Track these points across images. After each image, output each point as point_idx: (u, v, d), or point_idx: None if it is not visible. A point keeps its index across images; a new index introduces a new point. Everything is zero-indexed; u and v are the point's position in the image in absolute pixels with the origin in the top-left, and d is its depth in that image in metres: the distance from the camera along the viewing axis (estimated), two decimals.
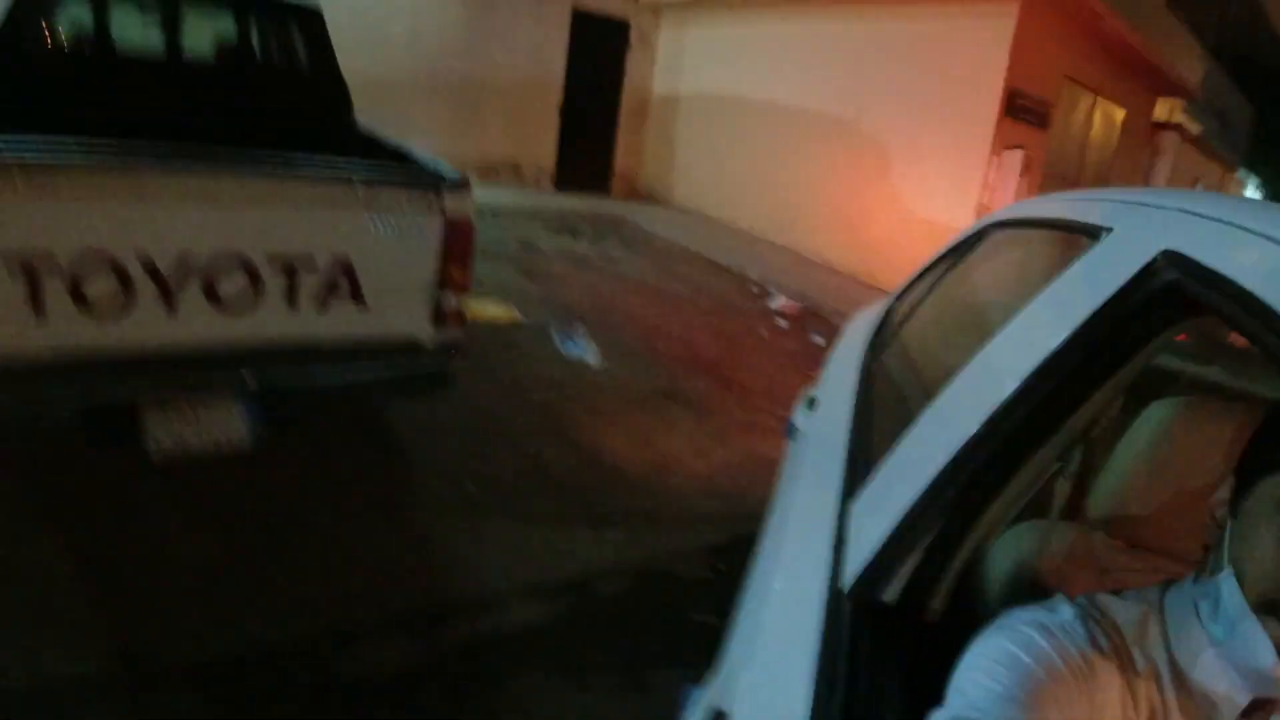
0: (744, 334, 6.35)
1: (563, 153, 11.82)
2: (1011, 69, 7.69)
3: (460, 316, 2.95)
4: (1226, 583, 0.74)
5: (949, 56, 8.10)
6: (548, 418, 4.15)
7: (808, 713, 0.90)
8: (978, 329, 1.26)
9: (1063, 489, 1.06)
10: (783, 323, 6.86)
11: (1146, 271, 0.88)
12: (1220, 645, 0.75)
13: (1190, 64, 12.20)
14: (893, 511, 1.06)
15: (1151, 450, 1.05)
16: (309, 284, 2.57)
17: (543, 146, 11.69)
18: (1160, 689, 0.78)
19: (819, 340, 6.31)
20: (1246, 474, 0.78)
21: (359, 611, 2.48)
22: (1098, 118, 10.33)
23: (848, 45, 9.24)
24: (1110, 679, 0.77)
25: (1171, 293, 0.85)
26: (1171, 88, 12.14)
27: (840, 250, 9.13)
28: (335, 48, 3.95)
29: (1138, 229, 0.98)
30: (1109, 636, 0.80)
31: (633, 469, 3.74)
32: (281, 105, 3.90)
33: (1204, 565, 0.81)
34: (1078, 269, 1.05)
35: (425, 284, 2.81)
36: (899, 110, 8.56)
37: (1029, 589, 1.11)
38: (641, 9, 12.20)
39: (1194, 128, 14.04)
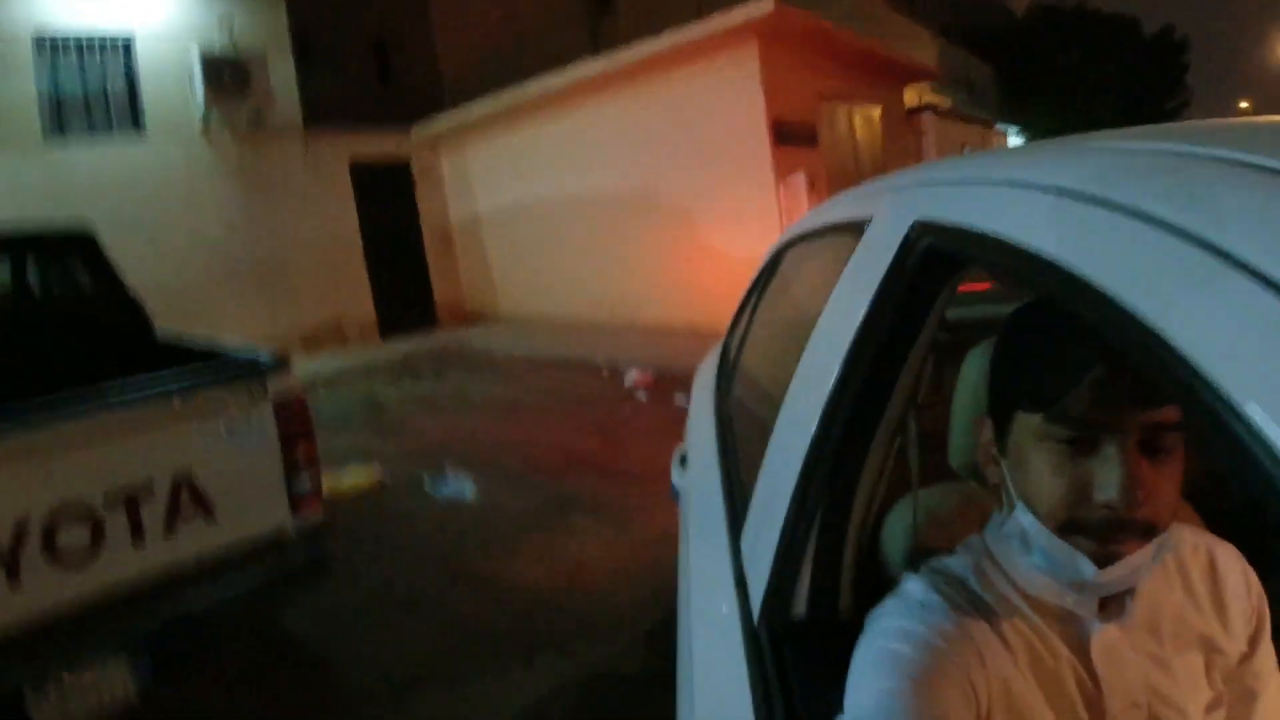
0: (609, 420, 6.39)
1: (380, 302, 11.76)
2: (769, 102, 8.36)
3: (318, 496, 2.84)
4: (1024, 517, 0.79)
5: (715, 105, 8.73)
6: (445, 569, 4.01)
7: None
8: (797, 342, 1.33)
9: (913, 459, 1.12)
10: (642, 396, 6.96)
11: (905, 246, 0.97)
12: (1045, 571, 0.80)
13: (925, 49, 13.46)
14: (773, 533, 1.09)
15: (977, 393, 1.13)
16: (153, 512, 2.41)
17: (359, 302, 11.62)
18: (1027, 623, 0.81)
19: (682, 402, 6.44)
20: (997, 412, 0.83)
21: None
22: (858, 122, 11.15)
23: (625, 122, 9.77)
24: (983, 632, 0.79)
25: (931, 257, 0.93)
26: (915, 74, 13.37)
27: (675, 310, 9.43)
28: (120, 266, 3.83)
29: (891, 210, 1.08)
30: (960, 592, 0.82)
31: (546, 588, 3.63)
32: (75, 338, 3.71)
33: (1000, 504, 0.86)
34: (854, 261, 1.14)
35: (273, 475, 2.70)
36: (687, 166, 9.09)
37: (927, 559, 1.15)
38: (416, 144, 12.44)
39: (945, 102, 15.44)
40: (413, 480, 5.32)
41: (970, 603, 0.82)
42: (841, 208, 1.47)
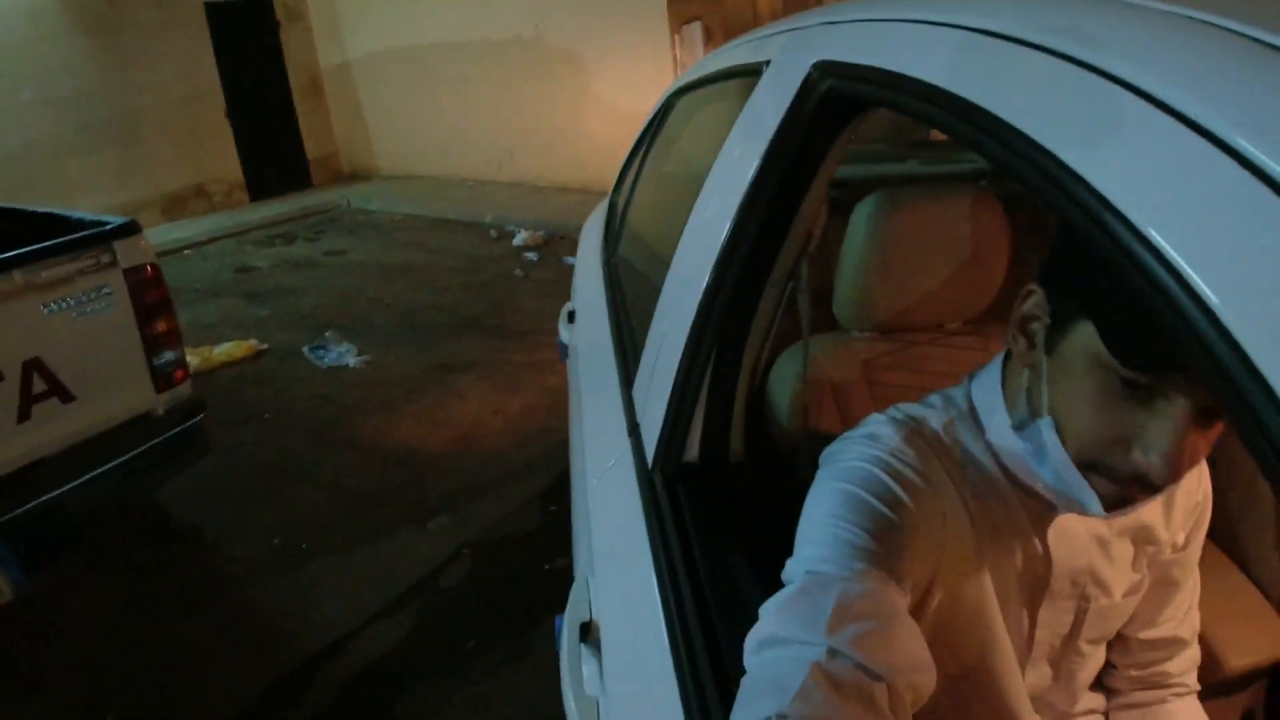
0: (499, 281, 6.27)
1: (247, 160, 10.78)
2: None
3: (183, 370, 2.72)
4: (1048, 433, 0.71)
5: None
6: (330, 437, 3.91)
7: (657, 588, 0.93)
8: (688, 193, 1.31)
9: (804, 305, 1.14)
10: (532, 256, 6.84)
11: (805, 86, 0.94)
12: (1051, 489, 0.75)
13: None
14: (666, 382, 1.10)
15: (868, 244, 1.14)
16: (2, 399, 2.25)
17: (224, 161, 10.59)
18: (993, 489, 0.79)
19: (571, 260, 6.36)
20: (1060, 301, 0.70)
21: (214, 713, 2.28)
22: None
23: None
24: (949, 492, 0.77)
25: (831, 99, 0.91)
26: None
27: (564, 168, 9.15)
28: None
29: (791, 53, 1.04)
30: (932, 445, 0.79)
31: (436, 451, 3.64)
32: None
33: (1018, 392, 0.76)
34: (749, 106, 1.10)
35: (131, 350, 2.55)
36: (578, 8, 8.52)
37: (812, 403, 1.19)
38: None
39: None
40: (292, 349, 5.08)
41: (941, 457, 0.78)
42: (736, 53, 1.42)
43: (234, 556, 3.02)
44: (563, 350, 2.18)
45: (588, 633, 1.05)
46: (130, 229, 2.54)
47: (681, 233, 1.23)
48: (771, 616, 0.66)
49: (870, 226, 1.14)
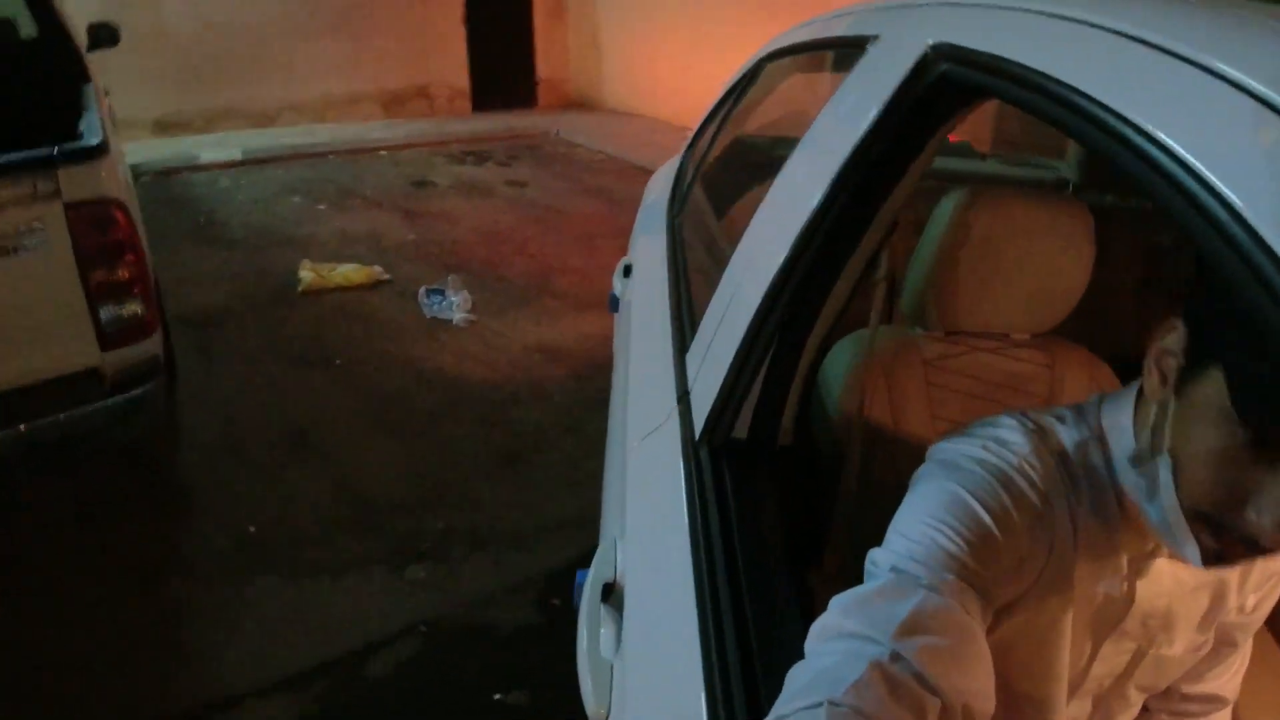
0: None
1: (476, 69, 10.40)
2: None
3: (143, 326, 2.35)
4: (1164, 474, 0.68)
5: None
6: (375, 414, 3.43)
7: (691, 557, 0.93)
8: (769, 162, 1.28)
9: (879, 296, 1.11)
10: None
11: (919, 68, 0.90)
12: (1154, 528, 0.72)
13: None
14: (726, 354, 1.08)
15: (948, 240, 1.10)
16: None
17: (452, 66, 10.29)
18: (1103, 520, 0.76)
19: None
20: (1200, 342, 0.66)
21: None
22: None
23: None
24: (1062, 511, 0.75)
25: (946, 84, 0.87)
26: None
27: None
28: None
29: (904, 30, 1.00)
30: (1060, 461, 0.76)
31: (479, 468, 3.09)
32: None
33: (1144, 425, 0.73)
34: (852, 81, 1.06)
35: (69, 299, 2.18)
36: None
37: (866, 396, 1.17)
38: None
39: None
40: (413, 285, 4.69)
41: (1065, 476, 0.76)
42: (836, 23, 1.37)
43: (206, 540, 2.65)
44: (613, 303, 2.17)
45: (610, 594, 1.05)
46: (92, 153, 2.15)
47: (759, 205, 1.20)
48: (843, 610, 0.65)
49: (953, 222, 1.10)
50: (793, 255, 1.00)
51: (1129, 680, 0.85)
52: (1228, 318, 0.62)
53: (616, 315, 2.18)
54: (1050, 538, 0.74)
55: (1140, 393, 0.76)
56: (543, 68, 11.06)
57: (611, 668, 0.97)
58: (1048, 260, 1.07)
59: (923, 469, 0.78)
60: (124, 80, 5.89)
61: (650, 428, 1.23)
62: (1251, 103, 0.48)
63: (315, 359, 3.92)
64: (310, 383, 3.70)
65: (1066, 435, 0.78)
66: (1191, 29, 0.60)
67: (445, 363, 3.91)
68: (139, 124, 8.11)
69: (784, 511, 0.99)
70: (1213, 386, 0.63)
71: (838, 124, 1.04)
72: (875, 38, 1.07)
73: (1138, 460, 0.73)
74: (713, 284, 1.26)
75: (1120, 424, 0.76)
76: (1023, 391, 1.15)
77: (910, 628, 0.61)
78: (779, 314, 1.02)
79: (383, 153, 8.22)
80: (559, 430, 3.33)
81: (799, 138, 1.16)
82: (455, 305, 4.42)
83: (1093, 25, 0.68)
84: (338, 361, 3.89)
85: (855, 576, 0.71)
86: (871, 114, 0.94)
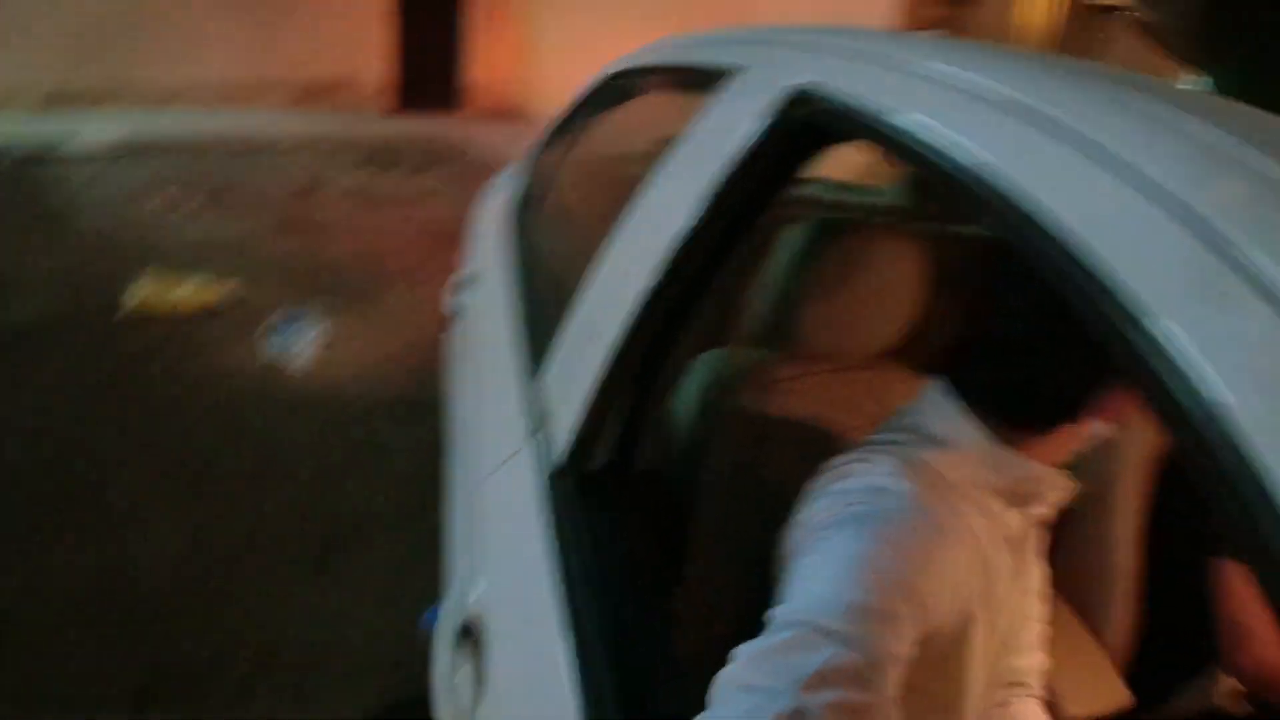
0: None
1: (403, 66, 9.34)
2: None
3: None
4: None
5: None
6: (172, 480, 2.74)
7: (557, 595, 0.89)
8: (625, 182, 1.26)
9: (731, 319, 1.13)
10: None
11: (785, 106, 0.91)
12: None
13: None
14: (585, 380, 1.05)
15: (793, 267, 1.13)
16: None
17: (376, 60, 9.25)
18: (989, 515, 0.81)
19: None
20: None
21: None
22: None
23: None
24: (964, 534, 0.78)
25: (809, 123, 0.89)
26: None
27: None
28: None
29: (769, 67, 1.01)
30: (936, 482, 0.79)
31: (281, 566, 2.40)
32: None
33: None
34: (716, 110, 1.07)
35: None
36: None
37: (714, 417, 1.18)
38: None
39: (1145, 15, 13.28)
40: (263, 312, 3.95)
41: (957, 499, 0.79)
42: (694, 50, 1.38)
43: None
44: (449, 316, 2.08)
45: (467, 636, 0.99)
46: None
47: (617, 228, 1.18)
48: (748, 661, 0.63)
49: (798, 250, 1.13)
50: (656, 282, 0.99)
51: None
52: None
53: (449, 333, 2.09)
54: (958, 567, 0.76)
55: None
56: (475, 69, 10.24)
57: (471, 712, 0.92)
58: (884, 287, 1.12)
59: (810, 521, 0.78)
60: (13, 45, 5.05)
61: (503, 457, 1.18)
62: (1072, 152, 0.56)
63: (119, 399, 3.21)
64: (103, 432, 2.97)
65: (938, 457, 0.81)
66: (1037, 88, 0.67)
67: (277, 415, 3.20)
68: (27, 96, 7.10)
69: (649, 539, 0.97)
70: None
71: (701, 152, 1.04)
72: (739, 70, 1.08)
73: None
74: (566, 306, 1.23)
75: (954, 420, 0.82)
76: (855, 412, 1.20)
77: (819, 682, 0.60)
78: (642, 338, 1.01)
79: (281, 149, 7.45)
80: (395, 516, 2.64)
81: (655, 159, 1.16)
82: (307, 341, 3.75)
83: (949, 85, 0.72)
84: (145, 404, 3.20)
85: (717, 597, 0.69)
86: (735, 146, 0.95)
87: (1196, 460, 0.42)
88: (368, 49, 9.34)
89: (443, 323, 2.13)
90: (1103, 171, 0.54)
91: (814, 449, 0.91)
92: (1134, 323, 0.46)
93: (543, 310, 1.50)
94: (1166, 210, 0.49)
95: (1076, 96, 0.67)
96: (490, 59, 10.28)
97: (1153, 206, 0.50)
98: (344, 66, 9.21)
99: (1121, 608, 1.26)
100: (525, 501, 1.04)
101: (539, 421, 1.15)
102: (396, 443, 3.03)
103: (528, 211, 2.07)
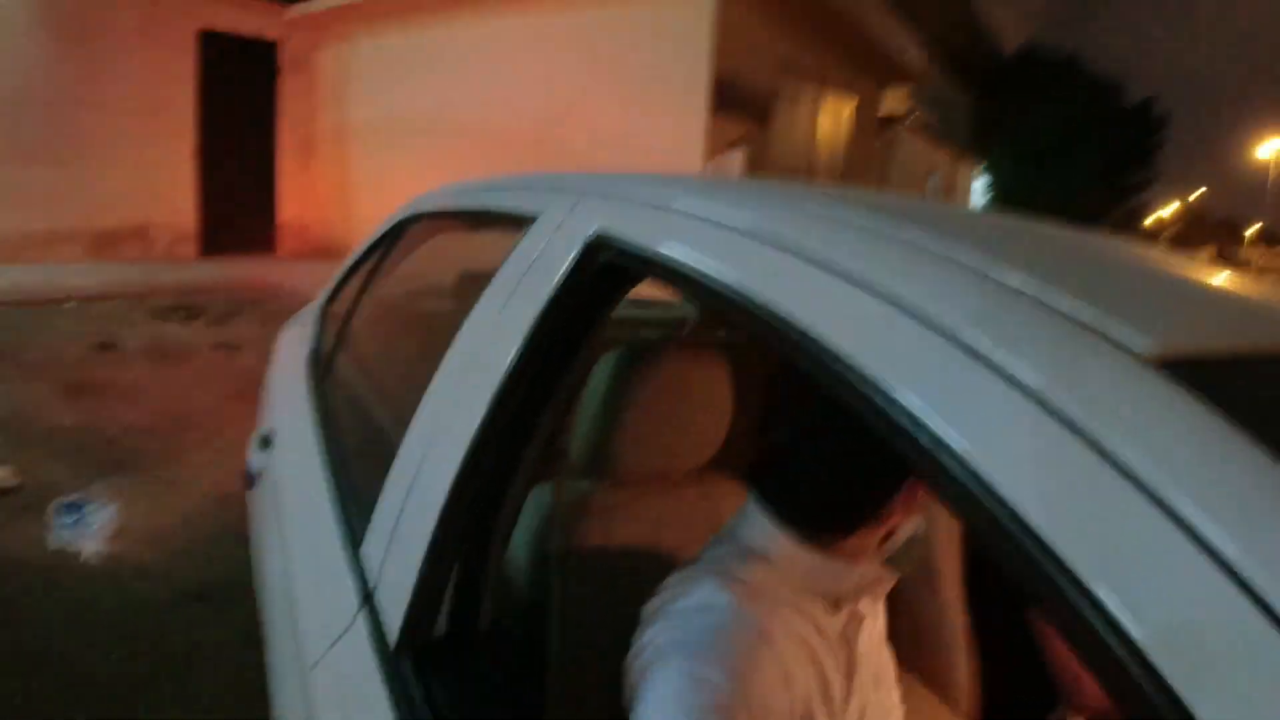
0: None
1: (208, 209, 8.79)
2: (718, 53, 6.79)
3: None
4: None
5: (651, 46, 7.17)
6: None
7: None
8: (438, 336, 1.25)
9: (555, 455, 1.12)
10: None
11: (584, 255, 0.95)
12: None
13: (913, 54, 11.63)
14: (415, 545, 1.00)
15: (607, 395, 1.15)
16: None
17: (178, 204, 8.64)
18: (810, 613, 0.85)
19: None
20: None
21: None
22: (825, 114, 9.66)
23: (544, 43, 7.95)
24: (789, 644, 0.80)
25: (609, 271, 0.93)
26: (896, 77, 11.76)
27: None
28: None
29: (567, 214, 1.05)
30: (769, 599, 0.82)
31: None
32: None
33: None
34: (518, 259, 1.08)
35: None
36: (606, 110, 7.45)
37: (549, 558, 1.15)
38: (290, 24, 9.41)
39: (922, 118, 13.66)
40: (45, 496, 3.32)
41: (780, 609, 0.82)
42: (494, 195, 1.40)
43: None
44: (250, 479, 1.92)
45: None
46: None
47: (434, 380, 1.15)
48: None
49: (610, 378, 1.16)
50: (480, 432, 0.97)
51: None
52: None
53: (253, 493, 1.93)
54: (785, 661, 0.78)
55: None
56: (286, 210, 9.92)
57: None
58: (694, 403, 1.16)
59: (643, 657, 0.79)
60: None
61: (330, 639, 1.08)
62: (847, 286, 0.63)
63: None
64: None
65: (758, 572, 0.84)
66: (777, 216, 0.78)
67: (54, 618, 2.60)
68: None
69: (504, 706, 0.93)
70: None
71: (512, 298, 1.05)
72: (537, 216, 1.11)
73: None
74: (383, 464, 1.17)
75: (771, 536, 0.86)
76: (688, 527, 1.22)
77: None
78: (469, 491, 0.98)
79: (70, 304, 6.72)
80: None
81: (463, 306, 1.16)
82: (99, 523, 3.19)
83: (742, 232, 0.78)
84: None
85: None
86: (542, 297, 0.97)
87: (983, 534, 0.47)
88: (172, 191, 8.93)
89: (248, 487, 1.97)
90: (831, 277, 0.63)
91: (650, 572, 0.92)
92: (884, 405, 0.54)
93: (355, 468, 1.42)
94: (888, 303, 0.58)
95: (798, 218, 0.77)
96: (303, 198, 10.12)
97: (880, 303, 0.58)
98: (143, 213, 8.74)
99: (963, 668, 1.33)
100: (361, 686, 0.95)
101: (366, 593, 1.08)
102: (202, 647, 2.49)
103: (326, 360, 1.98)
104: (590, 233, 0.95)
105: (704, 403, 1.17)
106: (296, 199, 10.08)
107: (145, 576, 2.90)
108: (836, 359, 0.58)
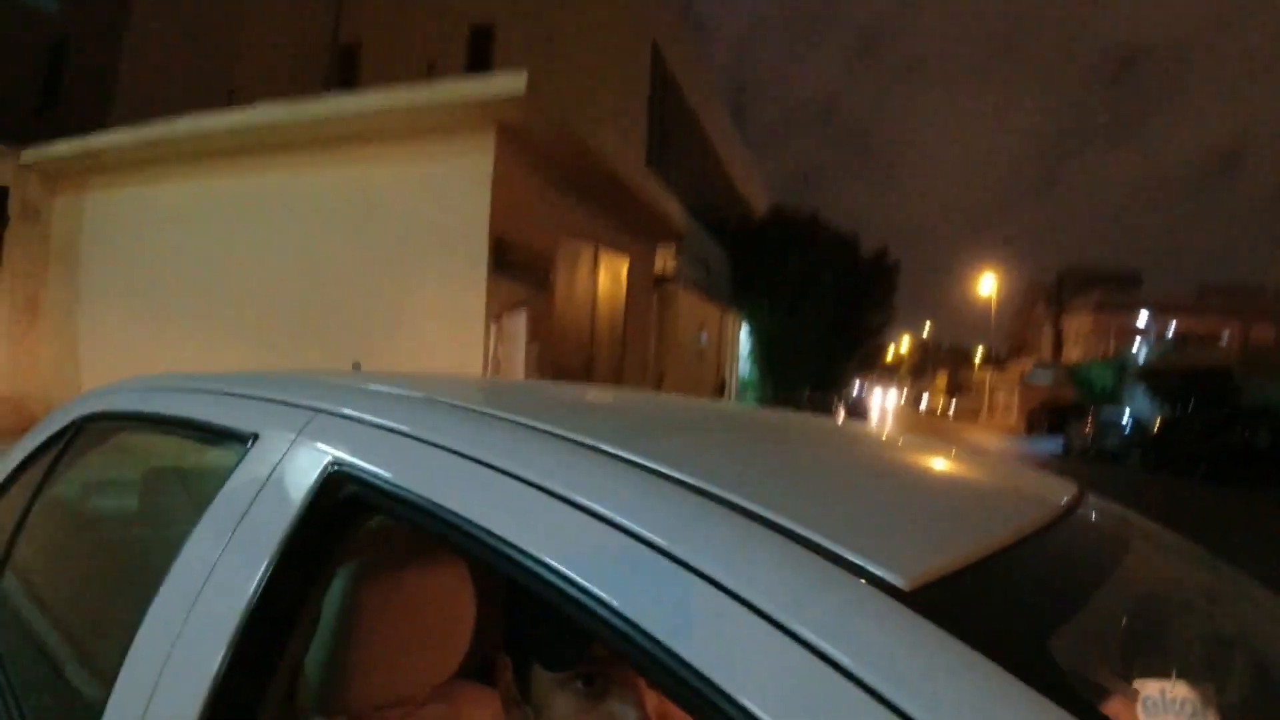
0: None
1: None
2: (496, 214, 6.76)
3: None
4: None
5: (426, 205, 6.81)
6: None
7: None
8: (131, 553, 1.11)
9: (297, 692, 1.01)
10: None
11: (322, 487, 0.91)
12: None
13: (677, 215, 12.05)
14: None
15: (341, 619, 1.06)
16: None
17: None
18: None
19: None
20: (517, 658, 0.91)
21: None
22: (604, 273, 9.92)
23: (307, 200, 7.34)
24: None
25: (350, 503, 0.90)
26: (667, 237, 12.47)
27: None
28: None
29: (295, 436, 1.00)
30: None
31: None
32: None
33: None
34: (240, 488, 1.01)
35: None
36: (382, 271, 6.90)
37: None
38: (23, 172, 8.70)
39: (690, 276, 14.45)
40: None
41: None
42: (187, 401, 1.29)
43: None
44: None
45: None
46: None
47: (152, 610, 1.01)
48: None
49: (343, 600, 1.07)
50: (218, 679, 0.88)
51: None
52: (525, 617, 0.89)
53: None
54: None
55: None
56: (3, 383, 8.78)
57: None
58: (436, 614, 1.11)
59: None
60: None
61: None
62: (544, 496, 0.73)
63: None
64: None
65: None
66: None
67: None
68: None
69: None
70: (540, 673, 0.87)
71: (235, 534, 0.97)
72: (257, 436, 1.05)
73: None
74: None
75: None
76: None
77: None
78: None
79: None
80: None
81: (164, 538, 1.04)
82: None
83: (462, 455, 0.82)
84: None
85: None
86: (279, 529, 0.91)
87: None
88: None
89: None
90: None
91: None
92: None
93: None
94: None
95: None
96: (22, 370, 9.12)
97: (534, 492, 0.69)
98: None
99: None
100: None
101: None
102: None
103: None
104: (326, 462, 0.92)
105: (448, 611, 1.12)
106: (17, 370, 9.10)
107: None
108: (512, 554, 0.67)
